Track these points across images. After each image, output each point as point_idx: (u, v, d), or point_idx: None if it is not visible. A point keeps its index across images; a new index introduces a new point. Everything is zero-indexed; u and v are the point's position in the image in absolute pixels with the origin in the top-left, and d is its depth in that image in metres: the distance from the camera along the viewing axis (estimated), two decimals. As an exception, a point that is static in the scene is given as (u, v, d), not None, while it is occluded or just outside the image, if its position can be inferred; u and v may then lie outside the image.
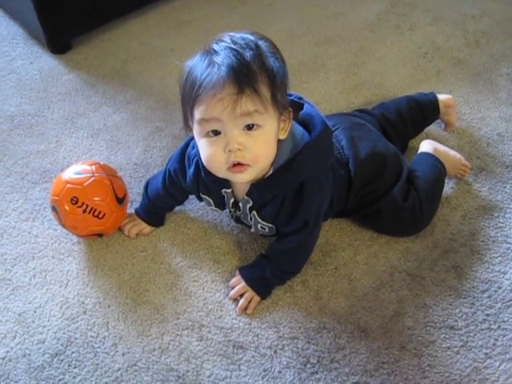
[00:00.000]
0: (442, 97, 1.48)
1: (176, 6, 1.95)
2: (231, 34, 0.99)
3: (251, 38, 0.98)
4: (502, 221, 1.32)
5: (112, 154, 1.48)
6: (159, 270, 1.25)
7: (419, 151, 1.40)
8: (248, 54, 0.94)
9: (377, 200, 1.24)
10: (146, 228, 1.31)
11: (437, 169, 1.34)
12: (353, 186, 1.22)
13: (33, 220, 1.35)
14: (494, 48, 1.78)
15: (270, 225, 1.16)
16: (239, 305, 1.18)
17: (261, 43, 0.98)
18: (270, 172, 1.06)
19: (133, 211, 1.33)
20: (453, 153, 1.39)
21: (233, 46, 0.95)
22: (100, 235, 1.27)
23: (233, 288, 1.21)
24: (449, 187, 1.39)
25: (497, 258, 1.26)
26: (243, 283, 1.20)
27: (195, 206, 1.35)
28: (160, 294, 1.21)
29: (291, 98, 1.12)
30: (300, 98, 1.15)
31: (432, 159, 1.35)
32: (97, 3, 1.75)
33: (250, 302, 1.18)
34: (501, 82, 1.66)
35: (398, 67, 1.72)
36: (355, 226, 1.32)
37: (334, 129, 1.24)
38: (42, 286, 1.23)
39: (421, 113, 1.45)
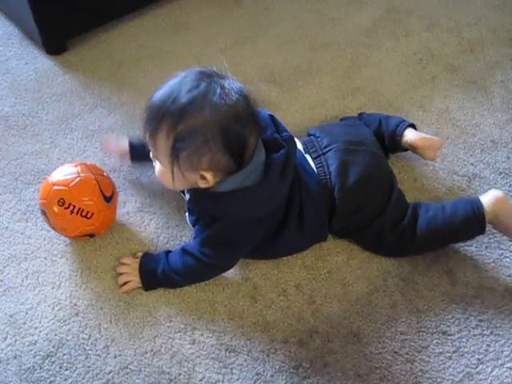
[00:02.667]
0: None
1: (173, 8, 1.95)
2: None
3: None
4: (495, 227, 1.33)
5: (106, 156, 1.48)
6: (152, 273, 1.25)
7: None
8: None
9: (363, 228, 1.24)
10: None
11: (469, 218, 1.21)
12: (336, 214, 1.22)
13: (26, 221, 1.34)
14: (489, 55, 1.79)
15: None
16: (119, 280, 1.21)
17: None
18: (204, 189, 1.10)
19: (126, 210, 1.34)
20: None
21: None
22: (91, 235, 1.26)
23: (122, 264, 1.23)
24: (442, 193, 1.39)
25: (490, 263, 1.26)
26: (136, 266, 1.21)
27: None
28: (153, 297, 1.21)
29: (273, 135, 1.11)
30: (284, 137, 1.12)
31: (475, 209, 1.21)
32: (93, 5, 1.75)
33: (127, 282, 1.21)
34: (495, 89, 1.67)
35: (393, 73, 1.73)
36: (349, 231, 1.32)
37: (326, 149, 1.25)
38: (35, 287, 1.23)
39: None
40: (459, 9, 1.97)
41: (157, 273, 1.19)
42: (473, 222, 1.21)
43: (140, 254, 1.24)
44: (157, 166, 1.12)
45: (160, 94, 1.04)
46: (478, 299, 1.20)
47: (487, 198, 1.22)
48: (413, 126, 1.39)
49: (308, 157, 1.25)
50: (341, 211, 1.22)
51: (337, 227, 1.26)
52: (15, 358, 1.12)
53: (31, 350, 1.13)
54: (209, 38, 1.84)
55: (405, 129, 1.36)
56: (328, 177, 1.21)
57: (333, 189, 1.21)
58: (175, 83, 1.03)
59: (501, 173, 1.44)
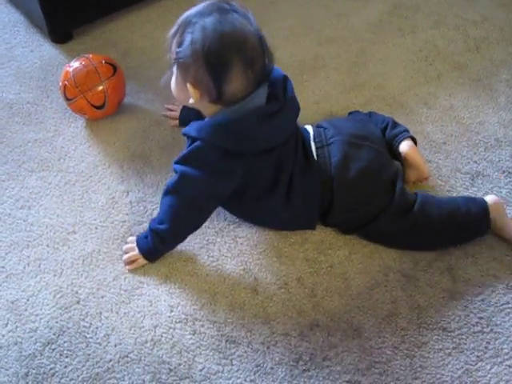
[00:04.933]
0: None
1: (179, 0, 1.94)
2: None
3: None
4: (497, 225, 1.33)
5: (110, 145, 1.48)
6: (154, 263, 1.25)
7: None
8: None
9: (365, 225, 1.26)
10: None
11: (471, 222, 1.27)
12: (334, 207, 1.23)
13: (28, 208, 1.34)
14: (495, 54, 1.78)
15: None
16: (126, 258, 1.25)
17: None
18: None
19: (128, 199, 1.36)
20: None
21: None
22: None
23: (126, 253, 1.26)
24: (445, 190, 1.39)
25: (491, 261, 1.26)
26: (136, 252, 1.24)
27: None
28: (154, 287, 1.21)
29: (276, 91, 1.19)
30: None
31: (485, 208, 1.26)
32: (99, -6, 1.75)
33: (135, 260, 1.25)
34: (500, 88, 1.67)
35: (398, 69, 1.73)
36: (351, 226, 1.32)
37: (331, 140, 1.25)
38: (36, 274, 1.23)
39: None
40: (466, 7, 1.97)
41: (151, 244, 1.22)
42: (483, 218, 1.25)
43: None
44: (171, 74, 1.21)
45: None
46: (478, 297, 1.20)
47: (488, 200, 1.27)
48: (414, 140, 1.37)
49: (313, 144, 1.26)
50: (339, 204, 1.23)
51: (337, 220, 1.27)
52: (16, 344, 1.13)
53: (32, 337, 1.14)
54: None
55: (405, 138, 1.35)
56: (328, 168, 1.22)
57: (332, 180, 1.22)
58: (201, 4, 1.15)
59: (504, 171, 1.44)
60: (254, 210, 1.28)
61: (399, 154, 1.34)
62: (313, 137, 1.28)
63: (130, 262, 1.24)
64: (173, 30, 1.15)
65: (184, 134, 1.21)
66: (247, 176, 1.19)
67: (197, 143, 1.17)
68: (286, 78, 1.22)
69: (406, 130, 1.37)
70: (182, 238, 1.25)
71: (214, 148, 1.15)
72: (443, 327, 1.16)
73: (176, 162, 1.19)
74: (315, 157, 1.24)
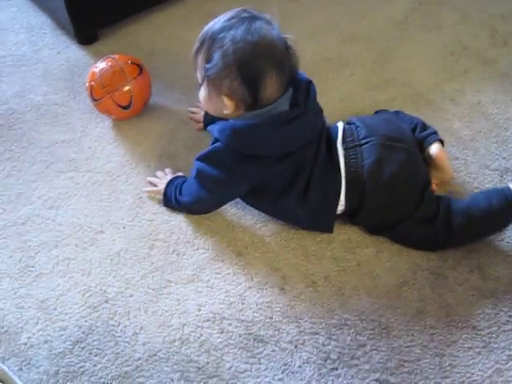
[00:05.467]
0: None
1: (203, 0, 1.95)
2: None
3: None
4: (527, 222, 1.31)
5: (137, 145, 1.49)
6: (181, 262, 1.25)
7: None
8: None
9: (396, 225, 1.24)
10: None
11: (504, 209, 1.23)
12: (364, 209, 1.23)
13: (57, 208, 1.36)
14: (522, 49, 1.76)
15: None
16: (146, 187, 1.39)
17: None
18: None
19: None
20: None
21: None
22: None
23: (152, 182, 1.40)
24: (473, 187, 1.37)
25: (521, 259, 1.25)
26: (163, 186, 1.35)
27: (218, 199, 1.36)
28: (182, 285, 1.21)
29: (298, 96, 1.20)
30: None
31: (509, 196, 1.23)
32: (124, -5, 1.77)
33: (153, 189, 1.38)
34: (529, 83, 1.65)
35: (424, 66, 1.71)
36: (378, 224, 1.31)
37: (364, 141, 1.23)
38: (65, 273, 1.24)
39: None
40: (492, 1, 1.94)
41: (171, 199, 1.33)
42: (508, 209, 1.23)
43: (169, 173, 1.40)
44: (201, 89, 1.23)
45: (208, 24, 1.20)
46: (508, 295, 1.19)
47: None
48: (442, 143, 1.35)
49: (340, 144, 1.25)
50: (368, 206, 1.22)
51: (364, 222, 1.27)
52: (46, 342, 1.14)
53: (61, 336, 1.15)
54: (238, 29, 1.83)
55: (435, 141, 1.33)
56: (361, 170, 1.21)
57: (364, 183, 1.21)
58: (221, 17, 1.18)
59: (533, 168, 1.42)
60: (271, 207, 1.29)
61: (428, 155, 1.32)
62: (342, 136, 1.26)
63: (150, 189, 1.38)
64: (196, 47, 1.19)
65: (208, 131, 1.25)
66: (264, 178, 1.22)
67: (217, 144, 1.21)
68: (309, 83, 1.23)
69: (435, 132, 1.35)
70: (193, 213, 1.35)
71: (232, 151, 1.19)
72: (473, 325, 1.15)
73: (197, 159, 1.25)
74: (343, 157, 1.23)
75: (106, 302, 1.20)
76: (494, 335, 1.13)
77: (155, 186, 1.38)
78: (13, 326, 1.16)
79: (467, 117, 1.55)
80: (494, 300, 1.18)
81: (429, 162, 1.33)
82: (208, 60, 1.15)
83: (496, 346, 1.12)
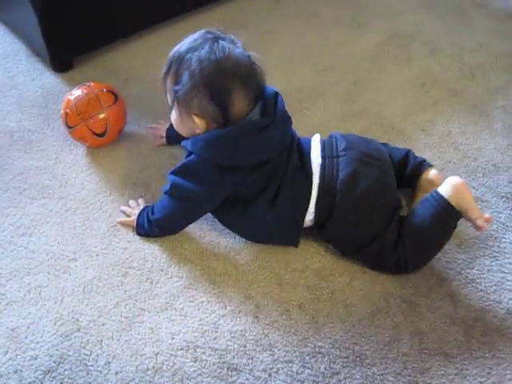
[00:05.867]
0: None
1: (178, 27, 1.97)
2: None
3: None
4: (496, 250, 1.33)
5: (111, 173, 1.49)
6: (155, 290, 1.25)
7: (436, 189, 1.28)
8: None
9: (364, 246, 1.25)
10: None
11: (442, 218, 1.25)
12: (332, 220, 1.24)
13: (29, 235, 1.34)
14: (490, 81, 1.81)
15: None
16: (119, 218, 1.39)
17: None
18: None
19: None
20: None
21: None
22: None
23: (125, 211, 1.40)
24: (445, 216, 1.40)
25: (492, 287, 1.26)
26: (135, 217, 1.36)
27: (194, 228, 1.35)
28: (155, 314, 1.20)
29: (267, 107, 1.22)
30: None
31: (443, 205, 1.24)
32: (100, 23, 1.78)
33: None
34: (496, 114, 1.69)
35: (396, 97, 1.75)
36: (352, 252, 1.32)
37: (342, 153, 1.26)
38: (37, 301, 1.23)
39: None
40: (461, 35, 2.01)
41: (144, 225, 1.33)
42: (445, 215, 1.25)
43: (141, 203, 1.40)
44: (172, 112, 1.27)
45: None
46: (479, 322, 1.20)
47: (445, 188, 1.25)
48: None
49: (316, 154, 1.28)
50: (337, 218, 1.24)
51: (331, 234, 1.28)
52: (16, 372, 1.12)
53: (32, 365, 1.13)
54: (214, 58, 1.85)
55: (430, 166, 1.39)
56: (335, 180, 1.23)
57: (336, 193, 1.22)
58: (186, 39, 1.21)
59: (502, 196, 1.45)
60: (240, 218, 1.28)
61: (427, 180, 1.36)
62: (322, 146, 1.29)
63: (123, 220, 1.38)
64: (164, 70, 1.23)
65: (183, 146, 1.27)
66: (238, 188, 1.24)
67: (191, 157, 1.23)
68: (276, 94, 1.26)
69: (426, 160, 1.41)
70: (166, 232, 1.35)
71: (206, 162, 1.21)
72: (445, 353, 1.16)
73: (171, 173, 1.26)
74: (319, 166, 1.25)
75: (78, 330, 1.18)
76: (466, 362, 1.14)
77: (128, 216, 1.38)
78: (-18, 356, 1.14)
79: (437, 147, 1.58)
80: (466, 327, 1.20)
81: (428, 184, 1.36)
82: (176, 82, 1.19)
83: (468, 372, 1.13)
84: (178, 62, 1.19)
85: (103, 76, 1.77)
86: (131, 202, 1.41)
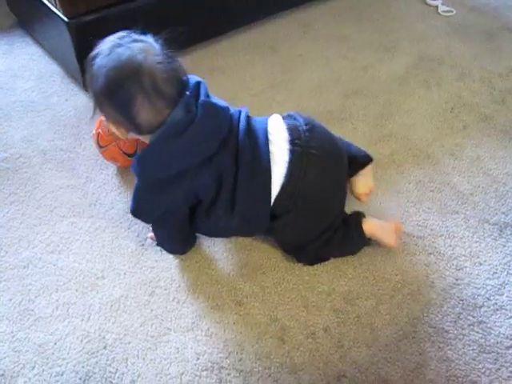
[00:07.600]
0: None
1: (210, 52, 2.00)
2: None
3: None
4: (527, 277, 1.32)
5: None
6: (181, 310, 1.25)
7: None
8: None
9: (313, 241, 1.28)
10: None
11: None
12: (288, 216, 1.22)
13: (59, 253, 1.36)
14: (521, 106, 1.80)
15: None
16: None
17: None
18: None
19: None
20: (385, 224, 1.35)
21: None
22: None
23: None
24: (473, 241, 1.38)
25: (521, 314, 1.25)
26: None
27: (220, 248, 1.36)
28: (181, 333, 1.21)
29: (188, 100, 1.14)
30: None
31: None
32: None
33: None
34: (527, 140, 1.68)
35: (424, 121, 1.74)
36: (379, 276, 1.31)
37: (311, 150, 1.20)
38: (64, 318, 1.24)
39: None
40: (490, 59, 2.00)
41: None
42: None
43: None
44: None
45: None
46: (509, 350, 1.18)
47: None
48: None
49: (279, 148, 1.20)
50: (288, 221, 1.22)
51: (281, 229, 1.25)
52: (42, 388, 1.13)
53: (58, 381, 1.14)
54: (243, 81, 1.88)
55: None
56: (300, 181, 1.18)
57: (297, 194, 1.19)
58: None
59: (532, 223, 1.43)
60: (208, 223, 1.25)
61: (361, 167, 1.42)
62: (289, 134, 1.21)
63: (152, 234, 1.37)
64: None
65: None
66: (192, 192, 1.20)
67: (135, 183, 1.23)
68: (198, 84, 1.18)
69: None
70: (185, 246, 1.37)
71: (149, 181, 1.20)
72: (473, 380, 1.14)
73: (131, 214, 1.29)
74: (285, 163, 1.18)
75: (105, 348, 1.19)
76: (494, 391, 1.13)
77: None
78: (9, 370, 1.16)
79: (466, 171, 1.57)
80: (495, 355, 1.18)
81: (362, 173, 1.43)
82: (92, 93, 1.15)
83: (496, 402, 1.11)
84: (88, 67, 1.14)
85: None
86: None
